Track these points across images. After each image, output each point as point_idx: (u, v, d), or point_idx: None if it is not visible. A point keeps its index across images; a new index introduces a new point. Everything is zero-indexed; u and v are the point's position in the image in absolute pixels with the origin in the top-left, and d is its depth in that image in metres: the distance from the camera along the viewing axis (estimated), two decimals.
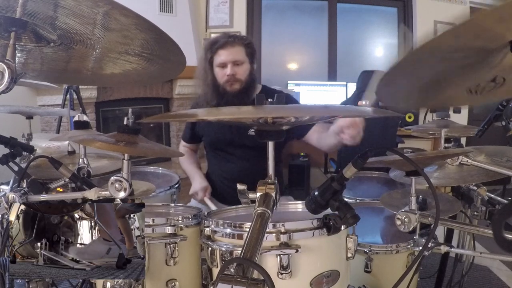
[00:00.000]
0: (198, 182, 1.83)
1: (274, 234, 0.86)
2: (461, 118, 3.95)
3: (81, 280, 1.36)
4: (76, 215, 0.95)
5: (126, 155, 0.96)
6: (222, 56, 1.74)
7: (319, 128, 1.72)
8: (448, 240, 1.60)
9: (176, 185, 1.69)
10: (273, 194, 0.79)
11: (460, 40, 0.57)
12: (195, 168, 1.94)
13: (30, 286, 1.08)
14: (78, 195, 1.00)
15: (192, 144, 2.03)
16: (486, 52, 0.63)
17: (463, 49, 0.61)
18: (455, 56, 0.64)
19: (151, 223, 1.04)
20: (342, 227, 0.89)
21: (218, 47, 1.75)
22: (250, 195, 0.83)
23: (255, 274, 0.62)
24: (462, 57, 0.64)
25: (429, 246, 0.99)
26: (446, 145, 1.37)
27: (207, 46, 1.81)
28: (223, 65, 1.75)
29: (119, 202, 0.96)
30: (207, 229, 0.97)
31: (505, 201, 1.32)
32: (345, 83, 4.27)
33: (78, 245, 0.94)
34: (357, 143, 1.39)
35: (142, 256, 0.94)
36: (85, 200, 0.98)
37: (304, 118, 0.83)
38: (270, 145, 0.85)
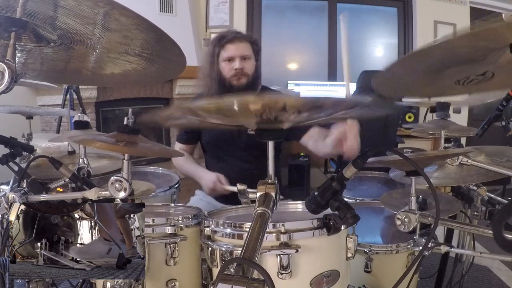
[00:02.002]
0: (208, 175, 1.74)
1: (274, 234, 0.86)
2: (461, 118, 3.95)
3: (81, 280, 1.36)
4: (76, 215, 0.95)
5: (126, 155, 0.96)
6: (231, 50, 1.75)
7: (315, 133, 1.68)
8: (448, 240, 1.60)
9: (176, 185, 1.69)
10: (273, 194, 0.79)
11: (464, 40, 0.58)
12: (197, 166, 1.87)
13: (30, 286, 1.08)
14: (78, 195, 1.00)
15: (189, 145, 1.97)
16: (486, 50, 0.64)
17: (466, 46, 0.62)
18: (455, 52, 0.65)
19: (151, 223, 1.04)
20: (342, 227, 0.89)
21: (227, 41, 1.76)
22: (250, 195, 0.83)
23: (255, 274, 0.62)
24: (462, 53, 0.65)
25: (429, 246, 0.99)
26: (446, 145, 1.37)
27: (214, 41, 1.82)
28: (231, 59, 1.76)
29: (119, 202, 0.96)
30: (207, 229, 0.97)
31: (505, 201, 1.32)
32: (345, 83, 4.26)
33: (78, 245, 0.94)
34: (356, 154, 1.32)
35: (142, 256, 0.94)
36: (85, 200, 0.98)
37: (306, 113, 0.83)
38: (270, 145, 0.85)
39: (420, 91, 0.95)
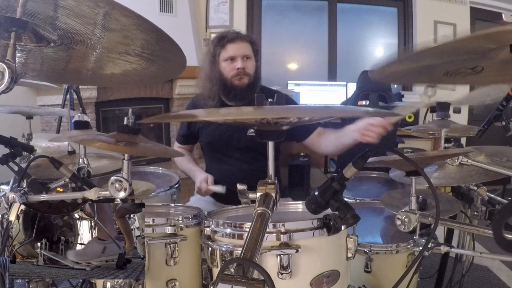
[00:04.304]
0: (199, 177, 1.77)
1: (274, 234, 0.86)
2: (461, 118, 3.95)
3: (81, 280, 1.36)
4: (76, 215, 0.95)
5: (126, 155, 0.96)
6: (232, 50, 1.74)
7: (322, 131, 1.73)
8: (448, 240, 1.60)
9: (176, 185, 1.69)
10: (273, 194, 0.79)
11: (465, 42, 0.58)
12: (193, 165, 1.91)
13: (30, 286, 1.08)
14: (78, 195, 1.00)
15: (187, 145, 2.01)
16: (486, 49, 0.64)
17: (466, 47, 0.62)
18: (455, 51, 0.65)
19: (151, 223, 1.04)
20: (342, 227, 0.89)
21: (228, 41, 1.74)
22: (250, 195, 0.83)
23: (255, 274, 0.62)
24: (461, 51, 0.65)
25: (429, 246, 0.99)
26: (446, 145, 1.37)
27: (214, 41, 1.80)
28: (232, 59, 1.74)
29: (119, 202, 0.96)
30: (207, 229, 0.97)
31: (505, 201, 1.32)
32: (345, 83, 4.27)
33: (78, 245, 0.94)
34: (376, 141, 1.39)
35: (142, 256, 0.94)
36: (85, 200, 0.98)
37: (306, 118, 0.84)
38: (270, 145, 0.85)
39: (411, 79, 0.96)
